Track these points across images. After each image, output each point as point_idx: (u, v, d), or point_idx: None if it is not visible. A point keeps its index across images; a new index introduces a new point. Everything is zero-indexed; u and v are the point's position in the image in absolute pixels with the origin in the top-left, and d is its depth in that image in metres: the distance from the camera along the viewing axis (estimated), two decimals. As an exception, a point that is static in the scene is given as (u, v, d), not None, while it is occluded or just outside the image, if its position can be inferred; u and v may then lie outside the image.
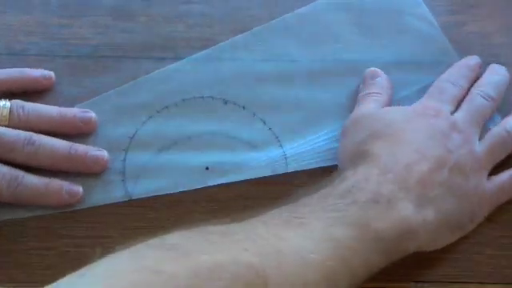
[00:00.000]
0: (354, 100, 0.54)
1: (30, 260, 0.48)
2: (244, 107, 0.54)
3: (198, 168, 0.51)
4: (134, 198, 0.50)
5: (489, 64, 0.55)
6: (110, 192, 0.50)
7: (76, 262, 0.47)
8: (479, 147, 0.49)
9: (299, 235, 0.40)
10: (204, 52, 0.57)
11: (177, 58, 0.57)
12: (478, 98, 0.52)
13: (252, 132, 0.53)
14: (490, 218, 0.49)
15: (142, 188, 0.50)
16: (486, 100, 0.52)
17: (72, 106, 0.54)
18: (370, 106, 0.52)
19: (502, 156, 0.50)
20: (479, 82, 0.53)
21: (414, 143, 0.47)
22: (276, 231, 0.40)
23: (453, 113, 0.51)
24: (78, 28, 0.58)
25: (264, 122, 0.54)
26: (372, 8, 0.60)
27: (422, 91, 0.54)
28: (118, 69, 0.56)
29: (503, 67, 0.55)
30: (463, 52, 0.57)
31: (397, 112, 0.51)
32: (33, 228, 0.49)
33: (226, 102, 0.55)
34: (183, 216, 0.50)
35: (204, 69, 0.56)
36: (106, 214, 0.49)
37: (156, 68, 0.56)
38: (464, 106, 0.51)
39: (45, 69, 0.55)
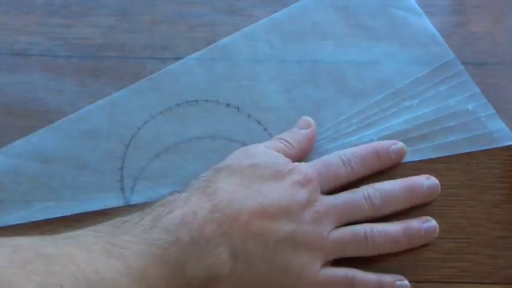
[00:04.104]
0: (346, 96, 0.55)
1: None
2: (238, 108, 0.54)
3: (196, 174, 0.51)
4: (131, 203, 0.50)
5: (489, 64, 0.55)
6: (109, 199, 0.50)
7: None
8: (332, 234, 0.46)
9: (116, 270, 0.38)
10: (194, 55, 0.57)
11: (179, 59, 0.57)
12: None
13: (248, 134, 0.53)
14: (489, 219, 0.49)
15: (140, 195, 0.51)
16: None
17: (73, 106, 0.54)
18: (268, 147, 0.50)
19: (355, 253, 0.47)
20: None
21: (262, 195, 0.44)
22: (95, 261, 0.38)
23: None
24: (81, 28, 0.59)
25: (259, 123, 0.54)
26: (359, 3, 0.61)
27: (415, 83, 0.55)
28: (120, 69, 0.56)
29: None
30: (463, 52, 0.57)
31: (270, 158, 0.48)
32: (33, 228, 0.49)
33: (220, 104, 0.55)
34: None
35: (196, 72, 0.56)
36: (106, 215, 0.49)
37: (158, 68, 0.56)
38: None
39: (47, 68, 0.56)
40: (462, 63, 0.56)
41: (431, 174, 0.50)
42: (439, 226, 0.48)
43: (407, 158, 0.52)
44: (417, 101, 0.54)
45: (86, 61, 0.57)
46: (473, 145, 0.52)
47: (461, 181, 0.51)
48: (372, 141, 0.52)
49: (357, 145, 0.52)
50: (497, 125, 0.53)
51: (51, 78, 0.56)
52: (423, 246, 0.48)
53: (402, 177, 0.50)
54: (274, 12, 0.60)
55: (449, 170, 0.51)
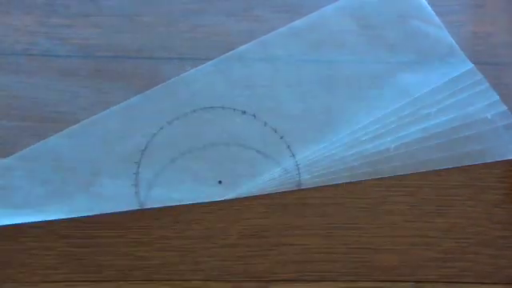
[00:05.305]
0: (363, 105, 0.54)
1: (30, 260, 0.48)
2: (255, 116, 0.54)
3: (211, 181, 0.52)
4: (145, 207, 0.51)
5: (490, 64, 0.55)
6: (123, 203, 0.51)
7: (76, 262, 0.48)
8: None
9: None
10: (211, 62, 0.57)
11: (180, 59, 0.57)
12: None
13: (264, 141, 0.53)
14: (490, 218, 0.49)
15: (155, 199, 0.51)
16: None
17: (74, 106, 0.54)
18: None
19: None
20: None
21: None
22: None
23: None
24: (82, 28, 0.59)
25: (275, 131, 0.54)
26: (377, 13, 0.60)
27: (434, 92, 0.55)
28: (121, 69, 0.56)
29: None
30: (464, 52, 0.56)
31: None
32: (33, 228, 0.49)
33: (236, 111, 0.54)
34: (181, 216, 0.50)
35: (213, 79, 0.56)
36: (105, 214, 0.50)
37: (160, 68, 0.56)
38: None
39: (48, 69, 0.56)
40: (462, 63, 0.56)
41: (431, 173, 0.50)
42: (439, 226, 0.48)
43: (423, 168, 0.52)
44: (435, 109, 0.54)
45: (87, 61, 0.57)
46: (490, 156, 0.52)
47: (461, 180, 0.51)
48: (389, 149, 0.52)
49: (373, 153, 0.52)
50: None
51: (52, 79, 0.56)
52: (423, 246, 0.48)
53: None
54: (277, 12, 0.60)
55: (448, 169, 0.51)
